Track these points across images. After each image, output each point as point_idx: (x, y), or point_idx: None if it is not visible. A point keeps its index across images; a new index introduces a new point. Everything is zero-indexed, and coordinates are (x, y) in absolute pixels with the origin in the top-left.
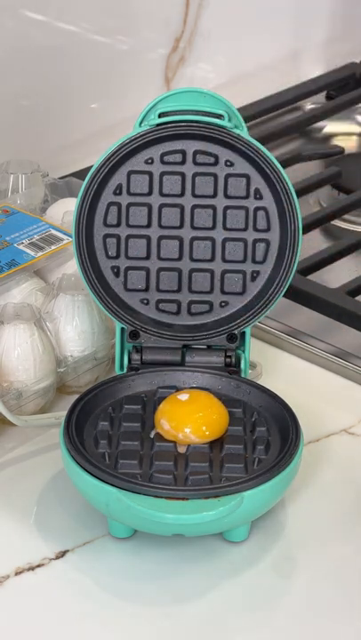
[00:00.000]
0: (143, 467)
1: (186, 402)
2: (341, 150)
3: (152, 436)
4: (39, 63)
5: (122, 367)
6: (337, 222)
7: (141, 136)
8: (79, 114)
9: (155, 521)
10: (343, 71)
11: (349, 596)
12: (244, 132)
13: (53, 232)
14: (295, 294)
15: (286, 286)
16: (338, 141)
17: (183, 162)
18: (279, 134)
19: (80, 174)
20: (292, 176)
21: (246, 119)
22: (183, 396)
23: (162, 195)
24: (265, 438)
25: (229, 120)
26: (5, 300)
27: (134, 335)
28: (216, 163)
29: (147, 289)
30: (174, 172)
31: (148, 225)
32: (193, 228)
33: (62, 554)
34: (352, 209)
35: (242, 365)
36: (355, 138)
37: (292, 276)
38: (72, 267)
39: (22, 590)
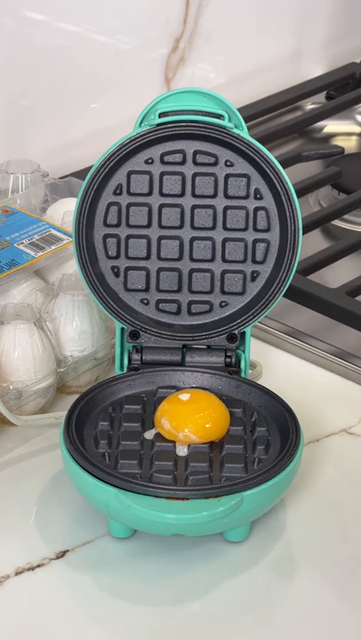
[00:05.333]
0: (143, 467)
1: (187, 401)
2: (341, 150)
3: (151, 437)
4: (39, 63)
5: (122, 367)
6: (337, 222)
7: (141, 136)
8: (79, 114)
9: (155, 521)
10: (343, 71)
11: (349, 596)
12: (244, 132)
13: (53, 232)
14: (295, 294)
15: (286, 286)
16: (338, 141)
17: (183, 162)
18: (279, 134)
19: (80, 174)
20: (292, 176)
21: (246, 119)
22: (184, 396)
23: (162, 195)
24: (265, 438)
25: (229, 120)
26: (5, 300)
27: (134, 335)
28: (216, 163)
29: (147, 289)
30: (174, 172)
31: (148, 225)
32: (193, 228)
33: (62, 554)
34: (352, 209)
35: (242, 365)
36: (355, 138)
37: (292, 275)
38: (72, 267)
39: (22, 590)
